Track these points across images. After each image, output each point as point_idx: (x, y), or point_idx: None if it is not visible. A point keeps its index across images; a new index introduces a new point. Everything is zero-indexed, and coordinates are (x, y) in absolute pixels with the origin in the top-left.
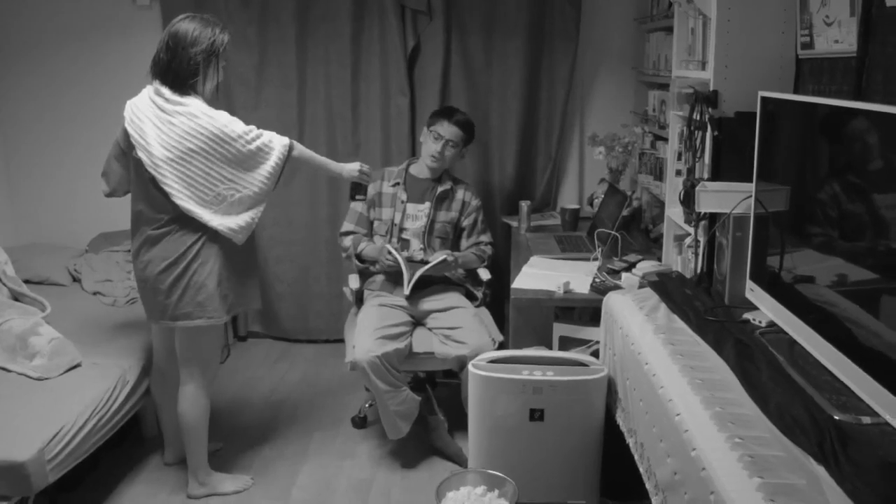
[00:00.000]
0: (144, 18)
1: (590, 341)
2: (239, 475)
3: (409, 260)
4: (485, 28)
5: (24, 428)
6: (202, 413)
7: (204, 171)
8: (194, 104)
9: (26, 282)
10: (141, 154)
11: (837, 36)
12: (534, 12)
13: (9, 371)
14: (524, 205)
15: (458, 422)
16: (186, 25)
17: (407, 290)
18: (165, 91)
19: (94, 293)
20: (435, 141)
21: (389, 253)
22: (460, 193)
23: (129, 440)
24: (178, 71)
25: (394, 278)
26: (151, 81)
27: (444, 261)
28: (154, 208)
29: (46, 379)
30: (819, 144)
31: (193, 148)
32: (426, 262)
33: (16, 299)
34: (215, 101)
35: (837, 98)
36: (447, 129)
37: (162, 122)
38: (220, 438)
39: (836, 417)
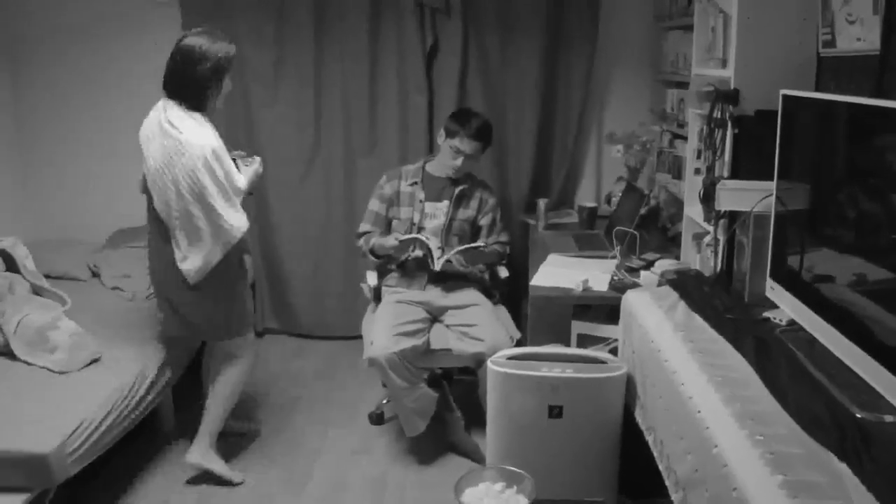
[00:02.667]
0: (164, 16)
1: (608, 339)
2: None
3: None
4: (503, 26)
5: (46, 421)
6: (240, 385)
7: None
8: (188, 131)
9: (46, 276)
10: (144, 166)
11: (860, 34)
12: (552, 10)
13: (30, 365)
14: (541, 203)
15: (475, 419)
16: (194, 41)
17: (437, 266)
18: (171, 107)
19: (113, 288)
20: (454, 156)
21: (416, 240)
22: (478, 192)
23: (147, 434)
24: (187, 86)
25: (410, 273)
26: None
27: (479, 247)
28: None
29: (67, 373)
30: (840, 143)
31: (169, 174)
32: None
33: (36, 293)
34: (223, 110)
35: (858, 97)
36: (466, 145)
37: (159, 136)
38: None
39: (859, 416)
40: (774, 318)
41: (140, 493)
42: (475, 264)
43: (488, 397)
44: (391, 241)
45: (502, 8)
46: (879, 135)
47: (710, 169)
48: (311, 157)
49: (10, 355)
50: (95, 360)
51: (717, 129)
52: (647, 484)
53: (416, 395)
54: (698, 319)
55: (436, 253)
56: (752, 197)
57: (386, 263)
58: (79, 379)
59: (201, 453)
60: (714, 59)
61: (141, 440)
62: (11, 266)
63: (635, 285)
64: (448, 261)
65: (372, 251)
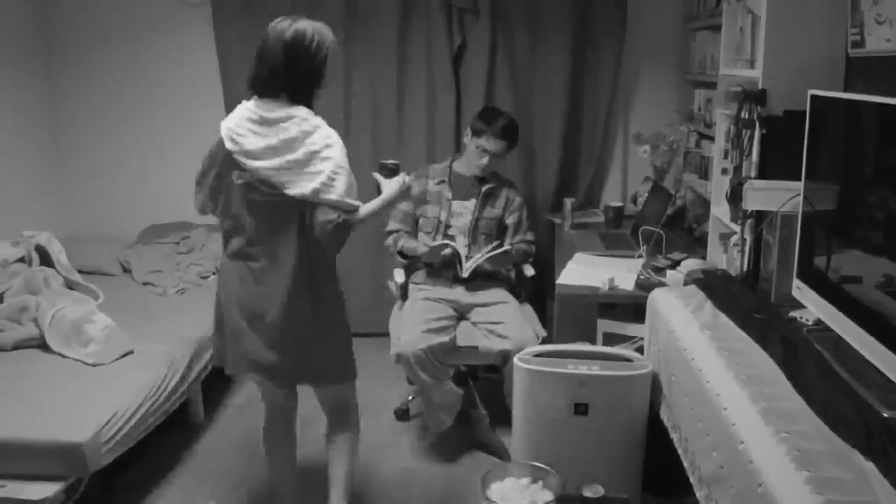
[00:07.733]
0: (195, 16)
1: (634, 338)
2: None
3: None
4: (530, 26)
5: (81, 411)
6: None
7: None
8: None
9: (78, 271)
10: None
11: (889, 35)
12: (579, 11)
13: (65, 357)
14: (568, 202)
15: (499, 417)
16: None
17: (465, 273)
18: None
19: (145, 283)
20: (481, 155)
21: (446, 246)
22: (504, 191)
23: (177, 426)
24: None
25: (436, 272)
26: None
27: (507, 251)
28: None
29: (101, 365)
30: (869, 143)
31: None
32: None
33: (70, 287)
34: None
35: (888, 97)
36: (492, 144)
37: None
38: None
39: (885, 415)
40: (801, 318)
41: (170, 486)
42: (503, 266)
43: (515, 394)
44: (422, 248)
45: (530, 8)
46: None
47: (738, 169)
48: None
49: (45, 347)
50: (128, 353)
51: (744, 130)
52: (671, 481)
53: (443, 391)
54: (725, 318)
55: (464, 254)
56: (780, 197)
57: (413, 263)
58: (112, 371)
59: None
60: (742, 59)
61: (172, 433)
62: (46, 260)
63: (661, 284)
64: (487, 256)
65: (401, 252)
